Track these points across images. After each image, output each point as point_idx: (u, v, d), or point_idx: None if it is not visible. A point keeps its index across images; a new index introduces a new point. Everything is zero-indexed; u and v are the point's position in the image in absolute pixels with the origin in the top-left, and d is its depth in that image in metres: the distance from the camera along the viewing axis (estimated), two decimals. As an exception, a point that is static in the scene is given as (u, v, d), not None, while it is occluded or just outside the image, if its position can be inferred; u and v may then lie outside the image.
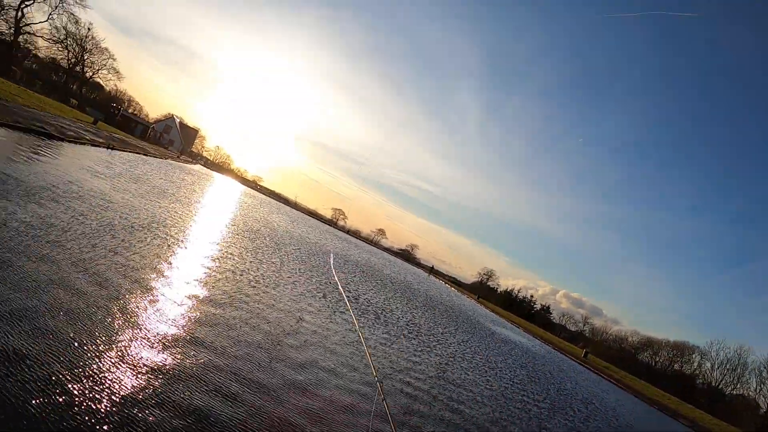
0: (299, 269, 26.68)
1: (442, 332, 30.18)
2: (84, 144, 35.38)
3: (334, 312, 19.81)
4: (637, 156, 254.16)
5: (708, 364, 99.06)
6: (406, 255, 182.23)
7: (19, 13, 69.49)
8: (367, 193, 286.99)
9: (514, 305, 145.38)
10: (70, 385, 6.68)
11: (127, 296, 10.63)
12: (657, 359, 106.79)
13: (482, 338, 38.02)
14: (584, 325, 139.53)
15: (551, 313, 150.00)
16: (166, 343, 9.35)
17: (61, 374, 6.83)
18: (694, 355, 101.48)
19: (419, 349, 21.34)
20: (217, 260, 19.20)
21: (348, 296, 25.03)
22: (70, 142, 32.47)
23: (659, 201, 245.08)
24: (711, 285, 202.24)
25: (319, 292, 22.58)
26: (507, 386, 22.68)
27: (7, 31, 69.64)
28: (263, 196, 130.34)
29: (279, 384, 9.89)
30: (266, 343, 12.03)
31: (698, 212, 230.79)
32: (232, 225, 33.74)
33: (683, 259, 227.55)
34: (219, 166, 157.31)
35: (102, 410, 6.51)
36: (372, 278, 44.74)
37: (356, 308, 23.37)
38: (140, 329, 9.40)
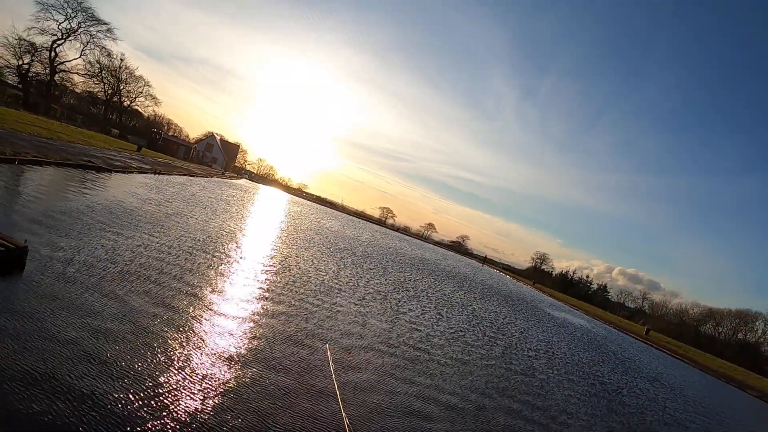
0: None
1: (504, 322, 29.20)
2: (132, 172, 35.47)
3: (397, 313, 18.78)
4: (679, 123, 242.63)
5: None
6: (458, 247, 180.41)
7: (53, 53, 71.38)
8: (413, 188, 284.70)
9: (571, 287, 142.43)
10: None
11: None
12: (720, 330, 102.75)
13: (543, 324, 36.62)
14: (643, 301, 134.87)
15: (609, 292, 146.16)
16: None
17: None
18: (757, 323, 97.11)
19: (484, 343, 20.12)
20: (277, 272, 18.41)
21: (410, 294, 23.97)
22: (118, 172, 32.50)
23: (706, 166, 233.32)
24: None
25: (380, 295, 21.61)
26: (572, 370, 21.27)
27: (43, 72, 71.64)
28: (310, 203, 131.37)
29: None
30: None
31: (749, 173, 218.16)
32: (287, 235, 33.14)
33: (737, 224, 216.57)
34: (263, 178, 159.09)
35: None
36: (431, 274, 43.73)
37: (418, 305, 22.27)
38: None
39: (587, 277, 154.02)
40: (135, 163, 41.09)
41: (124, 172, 33.63)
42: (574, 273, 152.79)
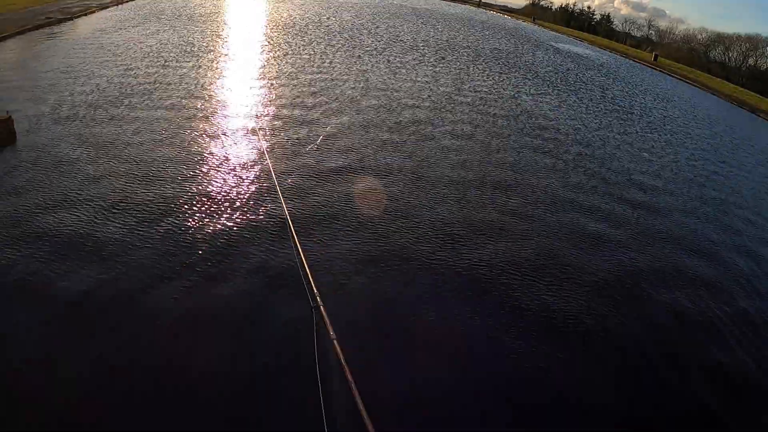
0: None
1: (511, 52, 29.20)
2: (94, 12, 34.68)
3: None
4: None
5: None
6: None
7: None
8: None
9: (572, 20, 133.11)
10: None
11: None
12: (729, 55, 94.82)
13: (549, 57, 35.78)
14: (649, 29, 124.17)
15: (613, 22, 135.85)
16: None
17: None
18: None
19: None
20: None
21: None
22: (78, 17, 32.00)
23: None
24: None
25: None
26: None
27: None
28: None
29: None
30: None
31: None
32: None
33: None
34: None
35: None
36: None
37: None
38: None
39: (588, 8, 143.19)
40: (95, 2, 39.72)
41: (85, 15, 33.05)
42: (574, 5, 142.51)
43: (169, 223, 8.60)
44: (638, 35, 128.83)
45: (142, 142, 11.75)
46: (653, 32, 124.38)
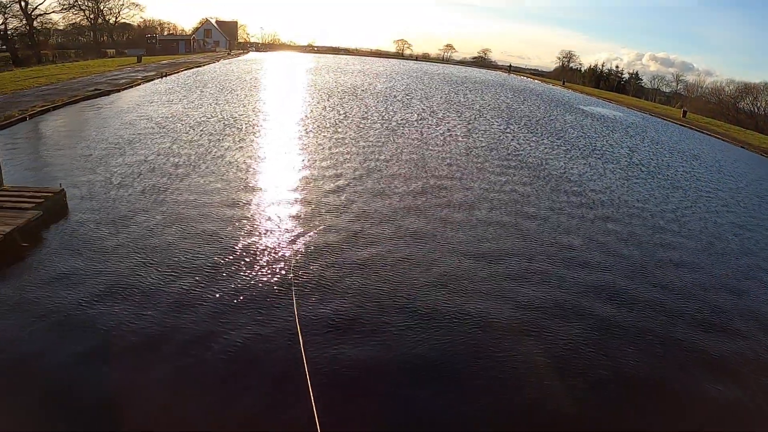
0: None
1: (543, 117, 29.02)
2: (139, 84, 35.51)
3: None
4: None
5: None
6: (480, 62, 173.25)
7: (23, 3, 68.60)
8: (423, 13, 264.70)
9: (602, 81, 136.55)
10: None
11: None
12: (757, 104, 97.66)
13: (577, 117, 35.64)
14: (677, 84, 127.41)
15: (641, 79, 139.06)
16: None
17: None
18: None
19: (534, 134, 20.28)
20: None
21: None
22: (125, 89, 32.65)
23: None
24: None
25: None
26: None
27: (21, 25, 69.53)
28: (323, 57, 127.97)
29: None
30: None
31: None
32: (315, 91, 33.07)
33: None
34: (270, 46, 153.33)
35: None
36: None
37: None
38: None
39: (617, 67, 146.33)
40: (140, 75, 40.86)
41: (131, 87, 33.75)
42: (603, 66, 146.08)
43: (183, 317, 7.42)
44: (667, 91, 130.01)
45: (187, 223, 10.82)
46: (682, 87, 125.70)
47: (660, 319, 8.94)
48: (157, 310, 7.43)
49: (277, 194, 13.13)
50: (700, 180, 22.30)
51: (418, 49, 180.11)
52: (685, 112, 69.11)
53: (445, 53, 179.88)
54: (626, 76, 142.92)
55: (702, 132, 51.11)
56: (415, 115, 29.23)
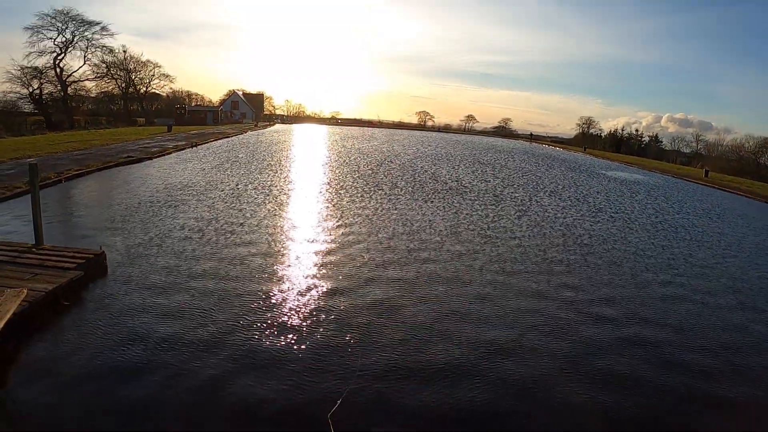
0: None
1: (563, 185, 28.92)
2: (171, 153, 36.46)
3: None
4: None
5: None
6: (502, 131, 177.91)
7: (58, 69, 72.31)
8: (443, 85, 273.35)
9: (622, 145, 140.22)
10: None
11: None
12: None
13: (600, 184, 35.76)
14: (697, 144, 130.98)
15: (662, 142, 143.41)
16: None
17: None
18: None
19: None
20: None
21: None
22: (157, 157, 33.48)
23: None
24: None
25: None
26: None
27: (55, 90, 72.97)
28: (347, 128, 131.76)
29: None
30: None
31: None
32: (335, 161, 33.50)
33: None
34: (296, 118, 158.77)
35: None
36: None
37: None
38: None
39: (637, 131, 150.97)
40: (170, 144, 42.08)
41: (163, 155, 34.62)
42: (623, 130, 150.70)
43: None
44: (688, 151, 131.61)
45: (224, 291, 10.60)
46: (702, 146, 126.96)
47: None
48: (187, 386, 7.03)
49: (325, 274, 12.87)
50: (723, 235, 22.36)
51: (439, 120, 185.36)
52: (707, 172, 69.19)
53: (467, 123, 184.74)
54: (646, 139, 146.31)
55: (724, 190, 50.99)
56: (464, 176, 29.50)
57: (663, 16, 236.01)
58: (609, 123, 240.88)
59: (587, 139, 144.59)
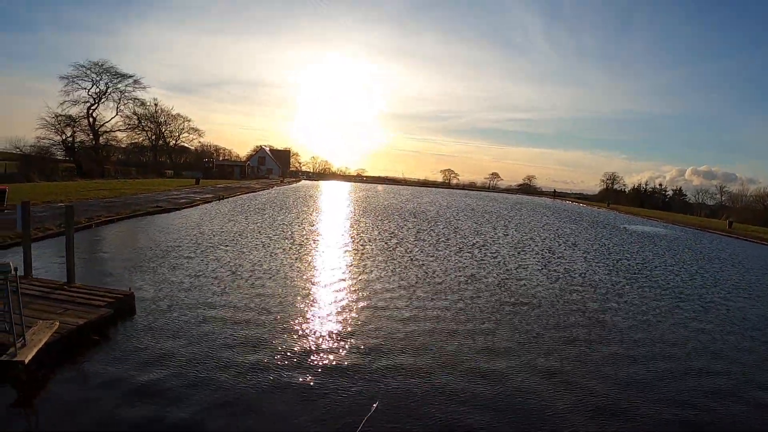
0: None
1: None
2: (198, 204, 37.38)
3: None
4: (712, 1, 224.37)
5: None
6: (526, 188, 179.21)
7: (90, 119, 75.57)
8: (467, 143, 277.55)
9: (647, 199, 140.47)
10: None
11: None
12: None
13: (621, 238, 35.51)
14: (721, 195, 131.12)
15: (686, 195, 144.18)
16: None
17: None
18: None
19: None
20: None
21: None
22: (185, 208, 34.37)
23: (754, 40, 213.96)
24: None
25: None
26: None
27: (87, 139, 76.01)
28: (372, 185, 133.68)
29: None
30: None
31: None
32: (359, 220, 33.87)
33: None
34: (321, 174, 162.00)
35: None
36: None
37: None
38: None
39: (660, 185, 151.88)
40: (198, 196, 43.20)
41: (191, 207, 35.53)
42: (646, 184, 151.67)
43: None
44: (712, 203, 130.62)
45: (248, 340, 10.67)
46: (726, 198, 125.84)
47: None
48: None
49: (353, 324, 12.92)
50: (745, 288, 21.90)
51: (463, 177, 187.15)
52: (731, 223, 68.73)
53: (491, 181, 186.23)
54: (670, 192, 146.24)
55: (748, 240, 50.60)
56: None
57: (687, 67, 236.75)
58: (633, 178, 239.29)
59: (611, 195, 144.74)
